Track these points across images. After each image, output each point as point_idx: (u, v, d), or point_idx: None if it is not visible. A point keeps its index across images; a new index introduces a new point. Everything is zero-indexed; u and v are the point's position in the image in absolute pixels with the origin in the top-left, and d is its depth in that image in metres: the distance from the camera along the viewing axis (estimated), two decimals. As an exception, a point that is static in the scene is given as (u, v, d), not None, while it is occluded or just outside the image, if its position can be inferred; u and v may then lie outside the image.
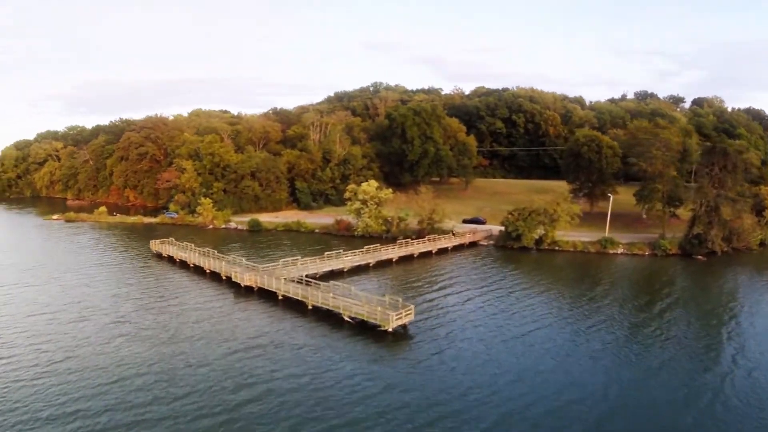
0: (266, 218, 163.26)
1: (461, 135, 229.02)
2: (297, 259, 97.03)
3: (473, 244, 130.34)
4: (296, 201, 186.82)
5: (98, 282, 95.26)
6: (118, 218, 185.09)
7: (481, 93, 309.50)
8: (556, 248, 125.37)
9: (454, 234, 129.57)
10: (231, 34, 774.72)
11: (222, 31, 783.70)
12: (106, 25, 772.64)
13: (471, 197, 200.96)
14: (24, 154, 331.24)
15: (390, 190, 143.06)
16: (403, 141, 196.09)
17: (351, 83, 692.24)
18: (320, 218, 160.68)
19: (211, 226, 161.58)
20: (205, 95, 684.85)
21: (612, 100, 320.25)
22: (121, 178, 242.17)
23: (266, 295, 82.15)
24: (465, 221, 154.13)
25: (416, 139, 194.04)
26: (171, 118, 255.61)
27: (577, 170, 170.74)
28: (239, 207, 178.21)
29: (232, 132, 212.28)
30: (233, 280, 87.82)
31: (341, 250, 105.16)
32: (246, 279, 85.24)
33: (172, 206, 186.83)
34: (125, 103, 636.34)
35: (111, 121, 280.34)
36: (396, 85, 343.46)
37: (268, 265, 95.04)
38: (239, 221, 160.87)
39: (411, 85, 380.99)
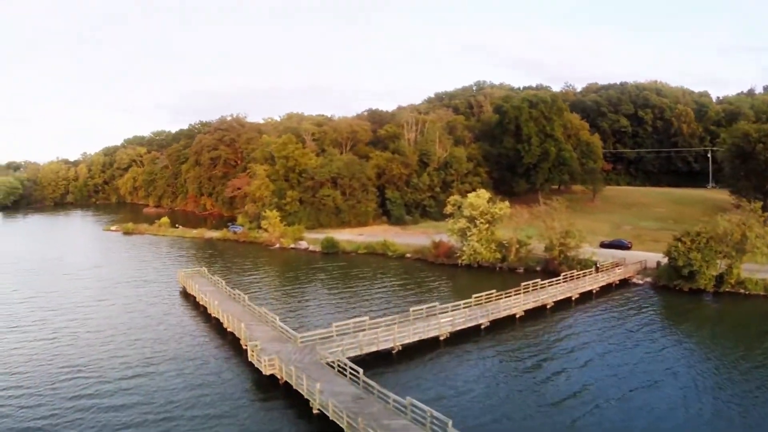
0: (347, 236, 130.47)
1: (584, 133, 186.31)
2: (362, 322, 60.68)
3: (624, 283, 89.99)
4: (386, 214, 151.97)
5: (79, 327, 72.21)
6: (179, 231, 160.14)
7: (595, 89, 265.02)
8: (742, 291, 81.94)
9: (598, 268, 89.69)
10: (330, 42, 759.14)
11: (321, 39, 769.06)
12: (211, 36, 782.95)
13: (601, 210, 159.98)
14: (110, 160, 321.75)
15: (506, 203, 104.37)
16: (517, 140, 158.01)
17: (451, 85, 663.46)
18: (414, 237, 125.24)
19: (277, 245, 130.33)
20: (304, 103, 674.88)
21: (749, 93, 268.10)
22: (194, 185, 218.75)
23: (296, 399, 46.85)
24: (604, 245, 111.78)
25: (534, 137, 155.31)
26: (262, 122, 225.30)
27: (748, 175, 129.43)
28: (317, 221, 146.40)
29: (317, 133, 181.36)
30: (250, 359, 53.44)
31: (436, 304, 66.71)
32: (267, 363, 50.63)
33: (240, 218, 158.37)
34: (226, 111, 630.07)
35: (190, 125, 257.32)
36: (500, 84, 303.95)
37: (311, 334, 57.91)
38: (313, 239, 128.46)
39: (515, 83, 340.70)
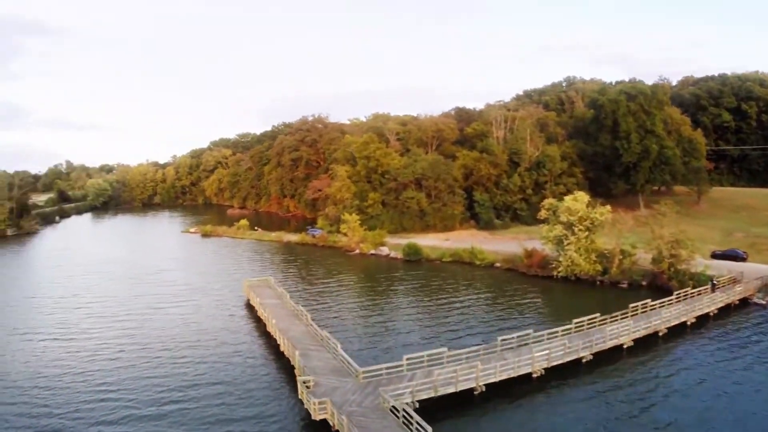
0: (432, 241, 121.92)
1: (686, 129, 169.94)
2: (439, 354, 50.91)
3: (743, 303, 76.21)
4: (474, 217, 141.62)
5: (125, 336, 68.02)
6: (257, 234, 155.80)
7: (692, 82, 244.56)
8: None
9: (714, 284, 76.14)
10: (417, 43, 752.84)
11: (409, 40, 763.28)
12: (298, 41, 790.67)
13: (707, 215, 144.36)
14: (197, 162, 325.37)
15: (608, 207, 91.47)
16: (614, 137, 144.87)
17: (539, 82, 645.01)
18: (504, 243, 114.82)
19: (356, 251, 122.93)
20: (391, 104, 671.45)
21: None
22: (276, 186, 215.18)
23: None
24: (715, 256, 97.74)
25: (633, 133, 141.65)
26: (347, 122, 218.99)
27: None
28: (400, 224, 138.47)
29: (401, 132, 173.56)
30: (299, 397, 45.41)
31: (530, 332, 55.86)
32: (318, 407, 41.83)
33: (320, 221, 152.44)
34: (314, 113, 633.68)
35: (273, 126, 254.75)
36: (591, 79, 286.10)
37: (375, 369, 48.66)
38: (395, 245, 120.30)
39: (606, 78, 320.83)
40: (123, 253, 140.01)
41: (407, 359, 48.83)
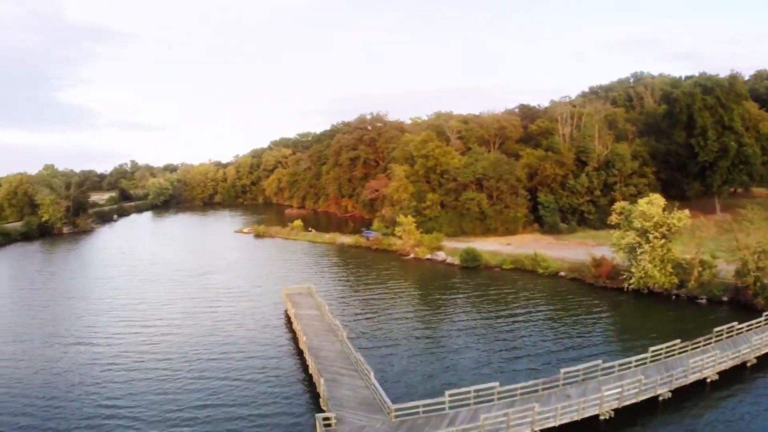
0: (492, 245, 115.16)
1: (765, 125, 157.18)
2: (489, 389, 42.78)
3: None
4: (538, 220, 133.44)
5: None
6: (311, 236, 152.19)
7: (767, 76, 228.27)
8: None
9: None
10: (480, 42, 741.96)
11: (472, 39, 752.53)
12: (362, 42, 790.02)
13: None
14: (258, 162, 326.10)
15: (686, 212, 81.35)
16: (689, 133, 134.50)
17: (605, 79, 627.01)
18: (570, 249, 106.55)
19: (411, 255, 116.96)
20: (454, 103, 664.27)
21: None
22: (334, 186, 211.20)
23: None
24: None
25: (710, 129, 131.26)
26: (408, 122, 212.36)
27: None
28: (459, 227, 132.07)
29: (462, 130, 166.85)
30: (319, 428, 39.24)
31: (598, 363, 47.10)
32: None
33: (376, 222, 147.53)
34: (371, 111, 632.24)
35: (332, 125, 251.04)
36: (659, 74, 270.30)
37: (411, 406, 41.07)
38: (453, 249, 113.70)
39: (676, 74, 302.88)
40: (170, 253, 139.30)
41: (450, 396, 41.63)
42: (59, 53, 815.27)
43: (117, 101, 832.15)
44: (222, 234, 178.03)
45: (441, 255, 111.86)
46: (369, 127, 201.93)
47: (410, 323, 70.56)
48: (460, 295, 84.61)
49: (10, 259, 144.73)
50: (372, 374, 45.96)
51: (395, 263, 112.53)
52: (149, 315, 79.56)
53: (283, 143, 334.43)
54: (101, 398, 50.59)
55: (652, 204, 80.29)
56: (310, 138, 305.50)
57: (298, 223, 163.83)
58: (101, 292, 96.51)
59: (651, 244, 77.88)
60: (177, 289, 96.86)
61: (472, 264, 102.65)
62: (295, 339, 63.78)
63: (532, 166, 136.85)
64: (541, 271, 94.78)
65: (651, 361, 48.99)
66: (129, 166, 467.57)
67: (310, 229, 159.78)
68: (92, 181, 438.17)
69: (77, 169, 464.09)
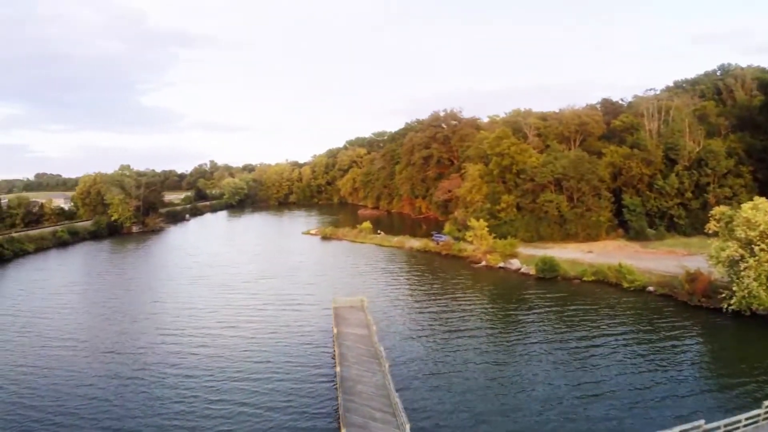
0: (572, 253, 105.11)
1: None
2: None
3: None
4: (623, 225, 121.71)
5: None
6: (378, 239, 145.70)
7: None
8: None
9: None
10: (560, 40, 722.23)
11: (552, 37, 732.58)
12: (441, 41, 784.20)
13: None
14: (333, 162, 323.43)
15: None
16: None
17: (690, 72, 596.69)
18: (658, 259, 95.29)
19: (483, 263, 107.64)
20: (532, 102, 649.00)
21: None
22: (407, 186, 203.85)
23: None
24: None
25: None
26: (485, 120, 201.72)
27: None
28: (536, 232, 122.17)
29: (541, 127, 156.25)
30: None
31: (700, 423, 33.73)
32: None
33: (447, 226, 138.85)
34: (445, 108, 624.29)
35: (406, 123, 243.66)
36: (748, 66, 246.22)
37: None
38: (529, 257, 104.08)
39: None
40: (230, 255, 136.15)
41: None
42: (143, 58, 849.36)
43: (200, 103, 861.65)
44: (289, 235, 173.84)
45: (515, 263, 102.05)
46: (443, 125, 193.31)
47: (472, 346, 61.81)
48: (533, 312, 75.01)
49: (70, 258, 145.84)
50: (409, 427, 37.22)
51: (464, 272, 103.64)
52: (189, 324, 74.67)
53: (359, 143, 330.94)
54: (108, 418, 46.41)
55: (758, 209, 68.50)
56: (386, 137, 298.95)
57: (366, 225, 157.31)
58: (147, 296, 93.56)
59: (757, 258, 65.93)
60: (226, 294, 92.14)
61: (548, 275, 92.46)
62: (334, 363, 56.34)
63: (616, 164, 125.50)
64: (626, 285, 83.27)
65: (764, 418, 37.10)
66: (208, 166, 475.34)
67: (379, 231, 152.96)
68: (172, 181, 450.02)
69: (159, 169, 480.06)
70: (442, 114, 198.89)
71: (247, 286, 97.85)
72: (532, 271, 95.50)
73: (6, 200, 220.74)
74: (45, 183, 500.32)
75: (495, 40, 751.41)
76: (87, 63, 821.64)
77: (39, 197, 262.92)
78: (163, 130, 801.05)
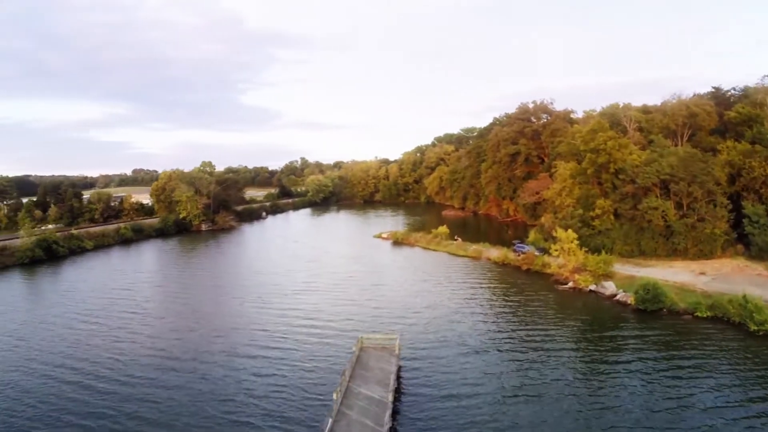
0: (680, 274, 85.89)
1: None
2: None
3: None
4: (743, 239, 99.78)
5: None
6: (453, 246, 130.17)
7: None
8: None
9: None
10: (661, 34, 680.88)
11: (652, 31, 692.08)
12: (537, 37, 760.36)
13: None
14: (421, 159, 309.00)
15: None
16: None
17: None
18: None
19: (570, 283, 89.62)
20: (630, 97, 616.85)
21: None
22: (492, 185, 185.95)
23: None
24: None
25: None
26: (580, 116, 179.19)
27: None
28: (636, 245, 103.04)
29: (642, 120, 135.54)
30: None
31: None
32: None
33: (532, 234, 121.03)
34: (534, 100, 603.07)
35: (495, 118, 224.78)
36: None
37: None
38: (626, 278, 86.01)
39: None
40: (283, 261, 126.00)
41: None
42: (241, 59, 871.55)
43: (297, 101, 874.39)
44: (361, 238, 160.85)
45: (609, 287, 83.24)
46: (532, 119, 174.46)
47: (531, 412, 45.77)
48: (626, 361, 57.06)
49: (121, 257, 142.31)
50: None
51: (546, 294, 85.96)
52: (197, 346, 64.88)
53: (447, 139, 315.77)
54: None
55: None
56: (475, 133, 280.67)
57: (443, 229, 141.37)
58: (180, 307, 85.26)
59: None
60: (255, 311, 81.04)
61: (651, 306, 73.03)
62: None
63: (734, 164, 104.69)
64: (753, 328, 62.98)
65: None
66: (299, 162, 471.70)
67: (456, 237, 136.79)
68: (263, 177, 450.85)
69: (251, 166, 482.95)
70: (531, 106, 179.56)
71: (281, 302, 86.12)
72: (631, 300, 76.29)
73: (88, 195, 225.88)
74: (140, 178, 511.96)
75: (595, 35, 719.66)
76: (189, 65, 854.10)
77: (134, 192, 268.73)
78: (261, 128, 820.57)
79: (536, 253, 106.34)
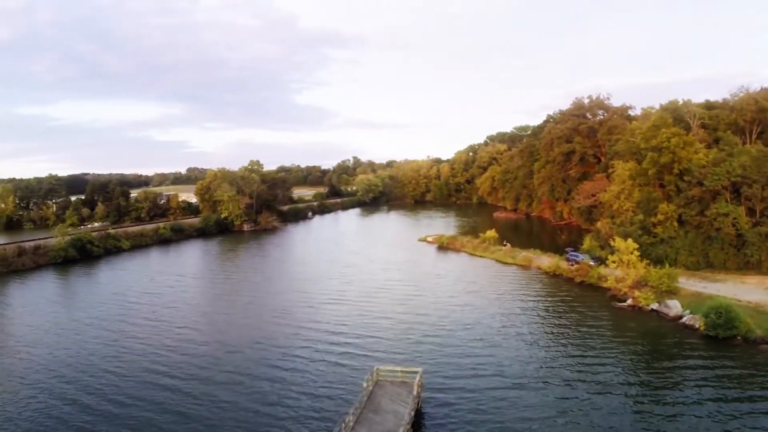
0: (755, 293, 74.52)
1: None
2: None
3: None
4: None
5: None
6: (502, 253, 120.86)
7: None
8: None
9: None
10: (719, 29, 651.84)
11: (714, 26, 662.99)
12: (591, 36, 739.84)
13: None
14: (473, 158, 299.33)
15: None
16: None
17: None
18: None
19: (628, 301, 78.78)
20: (692, 95, 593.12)
21: None
22: (545, 186, 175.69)
23: None
24: None
25: None
26: (638, 112, 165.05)
27: None
28: (704, 256, 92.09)
29: (706, 117, 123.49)
30: None
31: None
32: None
33: (587, 240, 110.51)
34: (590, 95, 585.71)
35: (548, 115, 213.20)
36: None
37: None
38: (692, 296, 75.45)
39: None
40: (318, 266, 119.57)
41: None
42: (296, 59, 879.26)
43: (351, 101, 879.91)
44: (405, 241, 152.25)
45: (674, 306, 72.26)
46: (587, 115, 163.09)
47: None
48: (695, 401, 47.04)
49: (157, 257, 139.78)
50: None
51: (601, 313, 75.73)
52: (202, 363, 58.94)
53: (499, 138, 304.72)
54: None
55: None
56: (528, 131, 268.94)
57: (491, 234, 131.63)
58: (182, 317, 78.40)
59: None
60: (273, 324, 74.49)
61: (723, 333, 61.64)
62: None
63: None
64: None
65: None
66: (351, 161, 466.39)
67: (505, 243, 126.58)
68: (314, 176, 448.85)
69: (303, 165, 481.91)
70: (586, 102, 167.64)
71: (302, 315, 78.85)
72: (699, 324, 65.13)
73: (135, 194, 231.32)
74: (193, 177, 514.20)
75: (657, 29, 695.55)
76: (243, 65, 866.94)
77: (185, 190, 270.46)
78: (315, 128, 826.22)
79: (591, 263, 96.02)
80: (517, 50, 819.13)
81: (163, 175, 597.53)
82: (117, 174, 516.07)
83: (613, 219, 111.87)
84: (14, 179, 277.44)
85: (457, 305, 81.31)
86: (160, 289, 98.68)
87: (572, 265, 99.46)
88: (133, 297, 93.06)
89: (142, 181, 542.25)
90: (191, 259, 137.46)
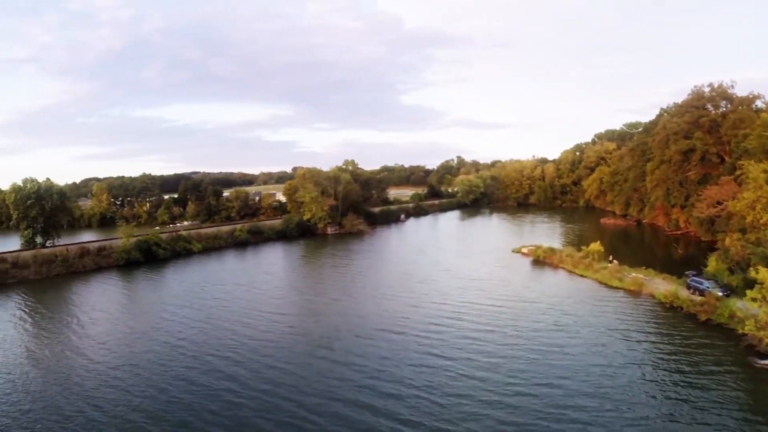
0: None
1: None
2: None
3: None
4: None
5: None
6: (607, 273, 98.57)
7: None
8: None
9: None
10: None
11: None
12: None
13: None
14: (580, 158, 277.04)
15: None
16: None
17: None
18: None
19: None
20: None
21: None
22: (659, 190, 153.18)
23: None
24: None
25: None
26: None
27: None
28: None
29: None
30: None
31: None
32: None
33: (712, 261, 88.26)
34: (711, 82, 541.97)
35: (661, 108, 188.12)
36: None
37: None
38: None
39: None
40: (392, 281, 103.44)
41: None
42: (401, 60, 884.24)
43: (456, 101, 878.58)
44: (498, 251, 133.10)
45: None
46: (708, 106, 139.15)
47: None
48: None
49: (220, 263, 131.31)
50: None
51: (733, 374, 54.76)
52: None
53: (608, 136, 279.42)
54: None
55: None
56: (639, 128, 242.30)
57: (595, 247, 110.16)
58: (194, 340, 57.64)
59: None
60: (297, 366, 59.24)
61: None
62: None
63: None
64: None
65: None
66: (455, 161, 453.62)
67: (611, 259, 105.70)
68: (418, 176, 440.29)
69: (407, 165, 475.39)
70: (706, 90, 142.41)
71: (340, 349, 64.04)
72: None
73: (227, 193, 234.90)
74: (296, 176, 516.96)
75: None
76: (350, 67, 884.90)
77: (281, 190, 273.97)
78: (421, 128, 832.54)
79: (719, 294, 75.56)
80: (622, 48, 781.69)
81: (269, 174, 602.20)
82: (225, 172, 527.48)
83: (745, 234, 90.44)
84: (109, 178, 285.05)
85: (538, 350, 62.10)
86: (196, 302, 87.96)
87: (695, 293, 79.06)
88: (168, 311, 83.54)
89: (246, 180, 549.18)
90: (263, 267, 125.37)
